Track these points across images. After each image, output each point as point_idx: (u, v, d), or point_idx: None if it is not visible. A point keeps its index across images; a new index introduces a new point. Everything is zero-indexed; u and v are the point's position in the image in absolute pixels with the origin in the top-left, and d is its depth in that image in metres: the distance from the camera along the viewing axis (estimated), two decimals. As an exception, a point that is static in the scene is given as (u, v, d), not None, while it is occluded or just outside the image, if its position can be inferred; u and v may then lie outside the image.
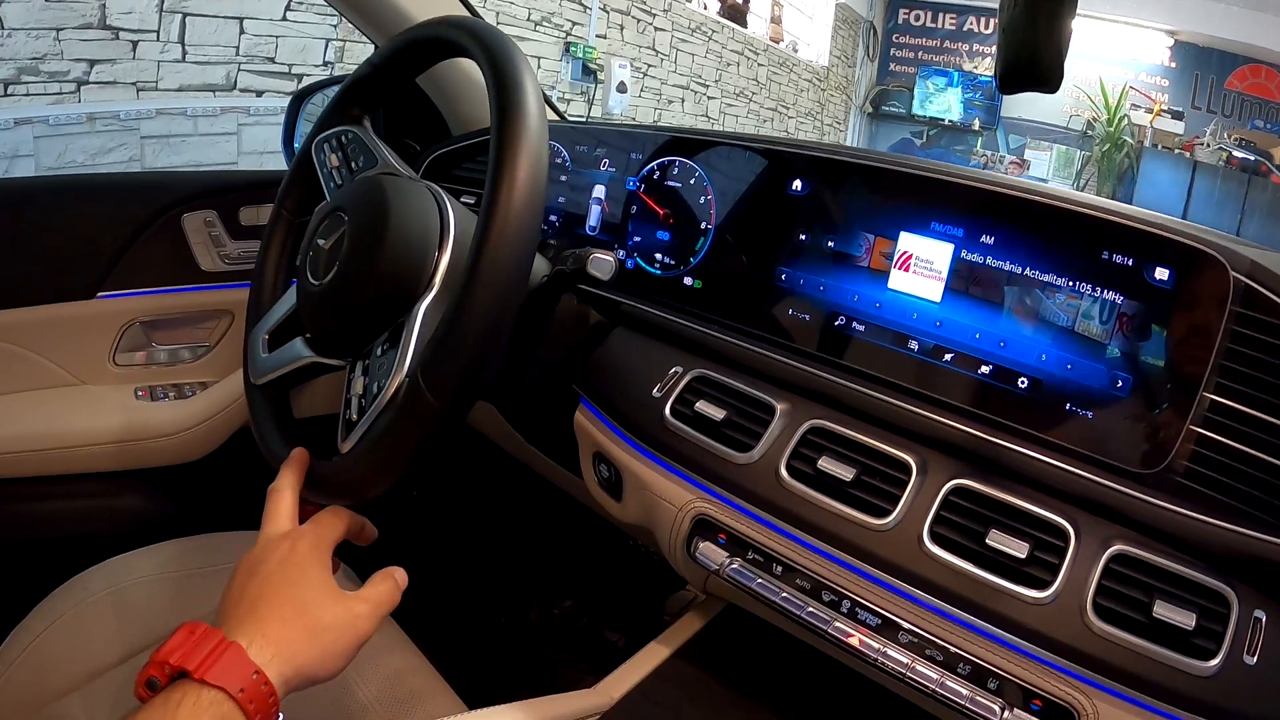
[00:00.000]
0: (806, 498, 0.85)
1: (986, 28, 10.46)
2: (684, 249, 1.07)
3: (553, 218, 1.24)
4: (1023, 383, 0.81)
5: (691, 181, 1.08)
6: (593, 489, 1.10)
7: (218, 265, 1.51)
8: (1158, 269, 0.75)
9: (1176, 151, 9.59)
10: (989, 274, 0.84)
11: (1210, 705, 0.65)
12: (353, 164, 0.96)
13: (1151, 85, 9.77)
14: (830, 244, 0.94)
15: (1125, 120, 9.76)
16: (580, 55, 6.25)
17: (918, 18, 11.07)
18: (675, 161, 1.10)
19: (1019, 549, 0.74)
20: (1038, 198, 0.82)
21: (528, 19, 5.85)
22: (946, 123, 10.82)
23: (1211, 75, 9.51)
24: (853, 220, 0.93)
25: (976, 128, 10.68)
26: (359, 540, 0.82)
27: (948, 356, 0.86)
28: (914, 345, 0.88)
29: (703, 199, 1.07)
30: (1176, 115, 9.64)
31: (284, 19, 4.15)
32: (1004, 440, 0.80)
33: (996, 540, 0.75)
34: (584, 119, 1.27)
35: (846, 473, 0.83)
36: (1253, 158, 9.10)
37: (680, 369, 0.99)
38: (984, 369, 0.83)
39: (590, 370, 1.06)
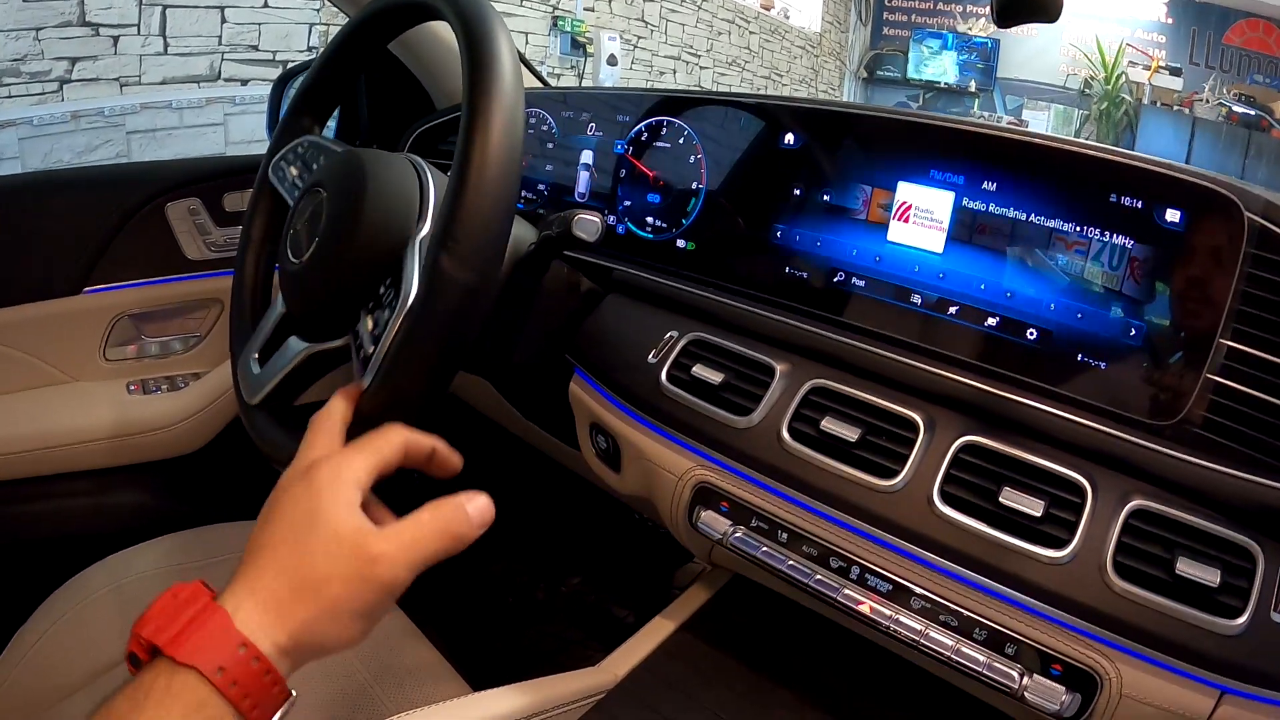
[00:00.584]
0: (810, 460, 0.82)
1: (980, -11, 10.37)
2: (675, 211, 1.05)
3: (541, 187, 1.21)
4: (1031, 334, 0.78)
5: (680, 142, 1.05)
6: (591, 461, 1.07)
7: (204, 253, 1.51)
8: (1168, 211, 0.72)
9: (1175, 108, 9.53)
10: (993, 222, 0.80)
11: (1238, 665, 0.63)
12: (313, 166, 0.94)
13: (1148, 42, 9.67)
14: (826, 198, 0.91)
15: (1123, 78, 9.68)
16: (569, 29, 6.22)
17: (910, -20, 10.98)
18: (663, 122, 1.07)
19: (1034, 507, 0.71)
20: (1041, 141, 0.79)
21: (514, -7, 5.80)
22: (942, 85, 10.73)
23: (1209, 31, 9.40)
24: (848, 172, 0.90)
25: (973, 90, 10.60)
26: (434, 470, 0.65)
27: (952, 309, 0.82)
28: (917, 299, 0.85)
29: (692, 159, 1.04)
30: (1174, 71, 9.53)
31: (266, 6, 4.12)
32: (1014, 394, 0.78)
33: (1010, 498, 0.72)
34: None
35: (851, 433, 0.80)
36: (1253, 112, 9.02)
37: (675, 333, 0.96)
38: (990, 321, 0.80)
39: (583, 339, 1.03)
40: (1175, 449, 0.70)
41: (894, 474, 0.78)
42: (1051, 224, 0.77)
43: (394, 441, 0.61)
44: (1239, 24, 9.19)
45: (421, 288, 0.69)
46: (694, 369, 0.91)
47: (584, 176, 1.16)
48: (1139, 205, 0.73)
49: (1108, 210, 0.75)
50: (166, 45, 3.79)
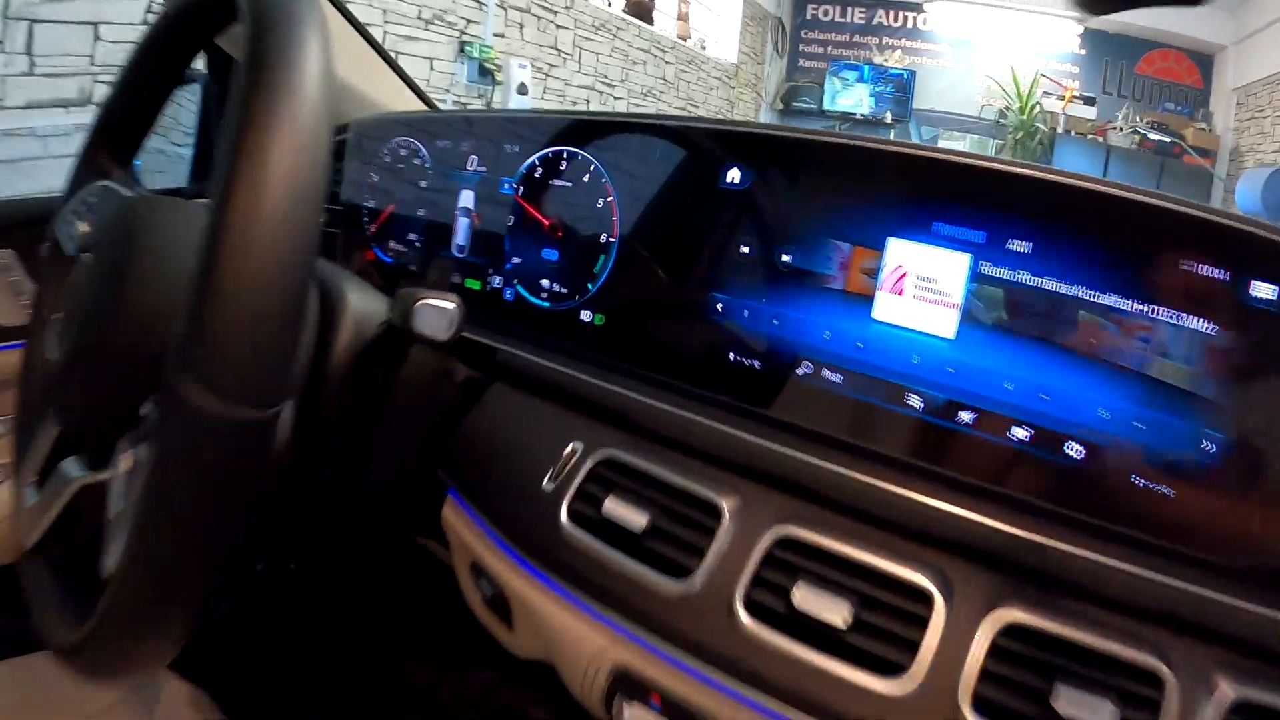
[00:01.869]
0: (779, 651, 0.56)
1: (896, 20, 10.77)
2: (580, 271, 0.82)
3: (412, 237, 0.98)
4: (1076, 450, 0.57)
5: (586, 180, 0.83)
6: (475, 608, 0.82)
7: (19, 318, 1.26)
8: (1258, 284, 0.53)
9: (1090, 137, 9.89)
10: (1023, 296, 0.59)
11: None
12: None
13: (1062, 73, 10.14)
14: (785, 258, 0.68)
15: (1038, 108, 10.07)
16: (477, 55, 6.16)
17: (826, 12, 11.28)
18: (564, 154, 0.85)
19: (1102, 709, 0.49)
20: (1091, 186, 0.59)
21: (418, 17, 5.71)
22: (858, 117, 10.95)
23: (1122, 61, 9.92)
24: (816, 224, 0.68)
25: (889, 120, 10.83)
26: None
27: (966, 416, 0.60)
28: (917, 402, 0.62)
29: (601, 202, 0.81)
30: (1088, 101, 10.00)
31: (145, 23, 3.83)
32: (1051, 539, 0.56)
33: (1067, 699, 0.49)
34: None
35: (837, 612, 0.55)
36: (1166, 139, 9.49)
37: (580, 446, 0.71)
38: (1019, 432, 0.58)
39: (459, 449, 0.78)
40: (1258, 600, 0.51)
41: (901, 670, 0.53)
42: (1105, 301, 0.57)
43: None
44: (1150, 54, 9.78)
45: (163, 428, 0.45)
46: (606, 504, 0.65)
47: (463, 224, 0.93)
48: (1223, 276, 0.54)
49: (1180, 281, 0.55)
50: (32, 64, 3.51)
